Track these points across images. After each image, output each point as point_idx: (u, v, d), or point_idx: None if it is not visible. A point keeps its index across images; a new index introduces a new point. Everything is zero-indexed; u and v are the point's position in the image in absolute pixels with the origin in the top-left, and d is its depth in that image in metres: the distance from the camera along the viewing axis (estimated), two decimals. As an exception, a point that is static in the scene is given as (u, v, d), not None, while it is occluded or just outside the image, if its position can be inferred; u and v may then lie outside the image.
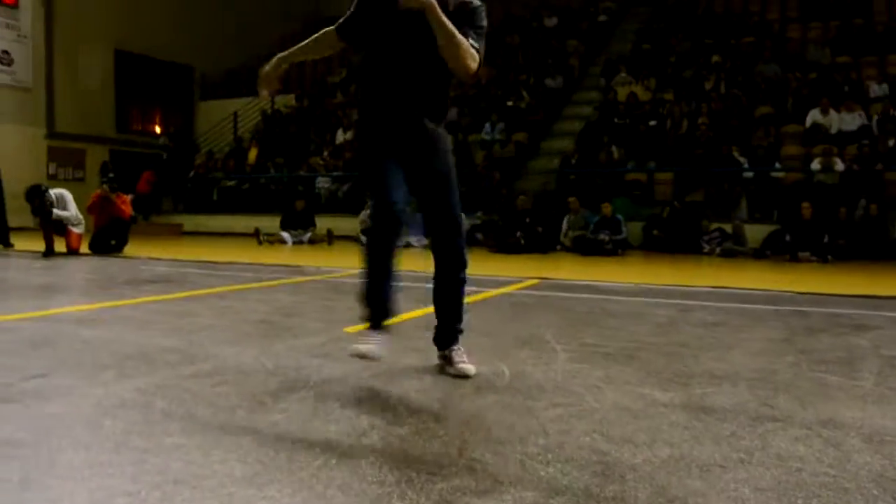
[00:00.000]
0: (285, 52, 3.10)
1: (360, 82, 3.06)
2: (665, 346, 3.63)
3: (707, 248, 11.13)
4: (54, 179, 16.97)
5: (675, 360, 3.26)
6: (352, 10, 2.91)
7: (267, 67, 3.08)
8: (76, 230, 9.85)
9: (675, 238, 11.40)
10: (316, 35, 3.05)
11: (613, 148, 13.67)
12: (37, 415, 2.35)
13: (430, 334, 3.83)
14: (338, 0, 27.10)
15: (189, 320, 4.22)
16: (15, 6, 17.69)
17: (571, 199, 11.86)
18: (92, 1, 19.20)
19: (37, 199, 9.56)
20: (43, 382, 2.77)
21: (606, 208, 11.32)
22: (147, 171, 18.51)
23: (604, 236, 10.95)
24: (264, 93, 3.14)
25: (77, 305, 4.91)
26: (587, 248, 10.96)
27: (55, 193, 9.73)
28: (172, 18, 21.08)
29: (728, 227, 11.24)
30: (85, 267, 8.12)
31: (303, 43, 3.07)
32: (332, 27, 2.98)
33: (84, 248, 9.86)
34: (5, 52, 17.52)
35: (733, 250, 10.75)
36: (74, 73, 19.05)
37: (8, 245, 10.88)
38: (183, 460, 1.92)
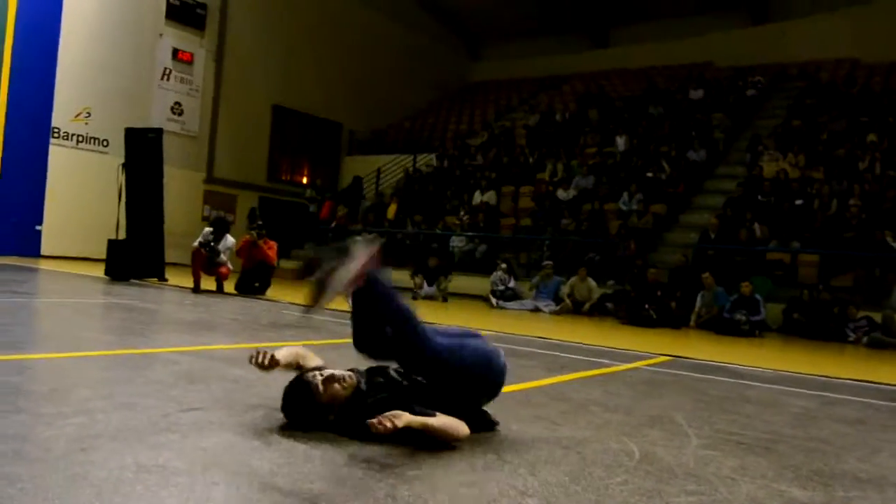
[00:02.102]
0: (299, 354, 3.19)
1: None
2: (804, 440, 3.49)
3: (852, 336, 10.56)
4: (206, 221, 18.16)
5: (815, 457, 3.13)
6: None
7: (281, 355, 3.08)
8: (227, 267, 10.63)
9: (817, 323, 10.87)
10: None
11: (756, 225, 13.26)
12: (193, 446, 2.55)
13: (557, 404, 3.86)
14: (482, 68, 28.18)
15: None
16: (190, 62, 19.32)
17: (705, 275, 11.55)
18: (257, 61, 20.80)
19: (221, 232, 10.50)
20: (198, 416, 2.99)
21: (746, 287, 10.93)
22: (329, 201, 20.20)
23: (741, 316, 10.58)
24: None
25: (226, 344, 5.23)
26: (722, 327, 10.62)
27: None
28: (326, 80, 22.47)
29: (877, 316, 10.61)
30: (231, 307, 8.61)
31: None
32: None
33: (229, 289, 10.48)
34: (178, 103, 19.13)
35: (882, 341, 10.12)
36: (235, 124, 20.50)
37: (163, 279, 11.71)
38: (324, 507, 2.03)
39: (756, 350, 8.81)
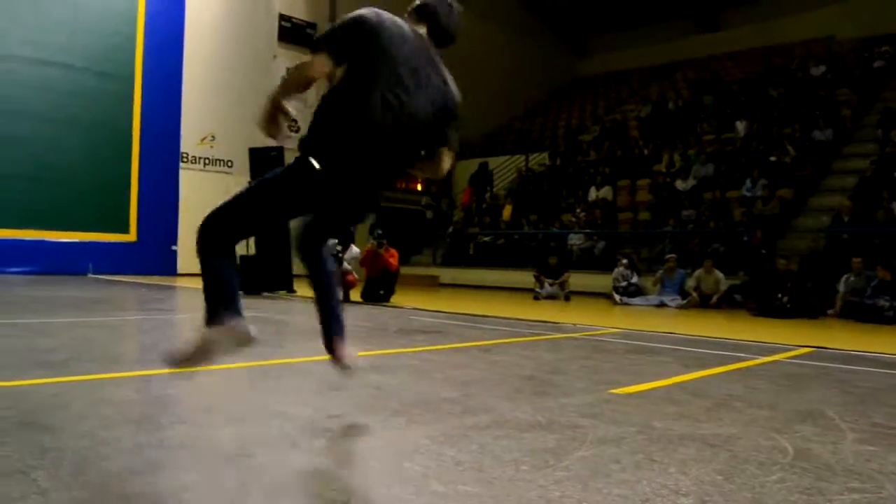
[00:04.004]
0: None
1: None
2: (973, 432, 3.27)
3: None
4: (329, 233, 18.76)
5: None
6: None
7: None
8: (354, 276, 11.02)
9: (971, 306, 10.12)
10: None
11: (894, 205, 12.50)
12: (343, 450, 2.65)
13: (698, 401, 3.76)
14: (589, 62, 27.75)
15: (462, 371, 4.48)
16: (303, 80, 20.05)
17: (856, 260, 10.88)
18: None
19: (346, 243, 10.91)
20: (344, 422, 3.10)
21: (884, 273, 10.28)
22: (469, 187, 20.88)
23: (883, 302, 9.99)
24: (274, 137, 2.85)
25: (360, 351, 5.38)
26: (864, 314, 10.06)
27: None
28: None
29: None
30: (359, 315, 8.83)
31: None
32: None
33: (355, 297, 10.79)
34: (294, 121, 19.77)
35: None
36: (349, 137, 21.10)
37: (291, 291, 12.15)
38: (479, 509, 2.07)
39: (904, 337, 8.30)
